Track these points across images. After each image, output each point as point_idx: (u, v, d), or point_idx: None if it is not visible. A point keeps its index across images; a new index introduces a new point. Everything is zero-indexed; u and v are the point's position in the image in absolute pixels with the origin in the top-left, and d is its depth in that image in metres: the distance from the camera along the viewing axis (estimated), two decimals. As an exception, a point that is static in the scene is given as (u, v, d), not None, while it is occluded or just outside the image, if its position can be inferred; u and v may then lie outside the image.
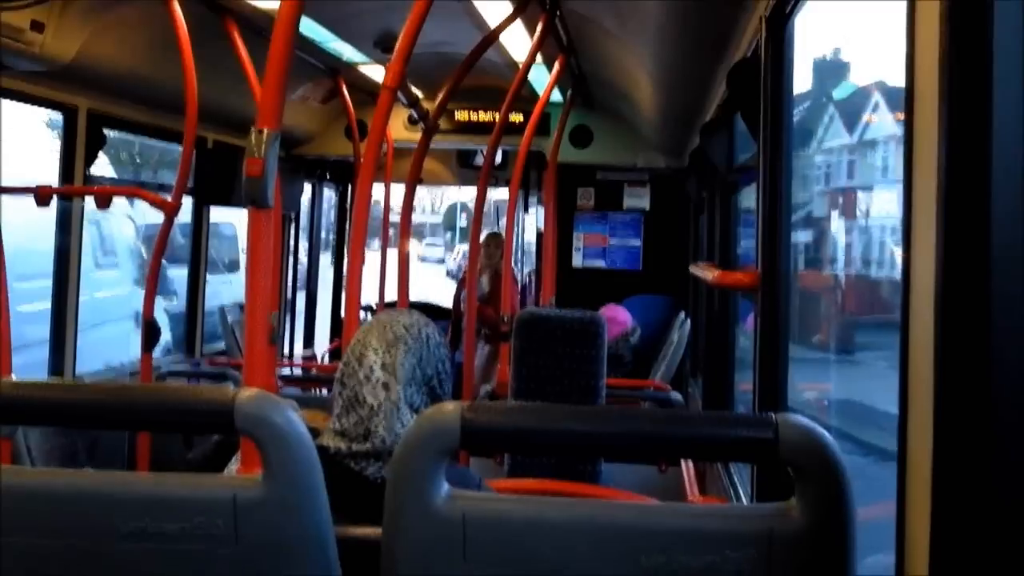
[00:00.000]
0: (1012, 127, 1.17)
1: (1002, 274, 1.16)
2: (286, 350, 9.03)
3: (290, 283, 9.14)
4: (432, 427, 1.47)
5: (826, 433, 1.38)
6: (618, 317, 7.35)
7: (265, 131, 2.57)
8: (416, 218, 12.71)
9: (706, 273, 4.06)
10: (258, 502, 1.57)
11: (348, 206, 9.59)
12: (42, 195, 4.93)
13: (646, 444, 1.46)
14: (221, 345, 7.66)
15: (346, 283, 3.78)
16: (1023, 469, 1.17)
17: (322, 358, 9.06)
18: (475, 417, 1.45)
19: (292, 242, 9.12)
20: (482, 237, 7.90)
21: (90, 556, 1.59)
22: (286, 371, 7.95)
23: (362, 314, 9.50)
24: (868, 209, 9.68)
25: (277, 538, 1.58)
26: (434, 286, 19.69)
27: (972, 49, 1.18)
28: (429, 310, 10.28)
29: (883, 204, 9.37)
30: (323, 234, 10.38)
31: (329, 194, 10.16)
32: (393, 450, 2.30)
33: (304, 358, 9.09)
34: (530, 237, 11.90)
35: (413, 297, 8.38)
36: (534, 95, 7.05)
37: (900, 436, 1.38)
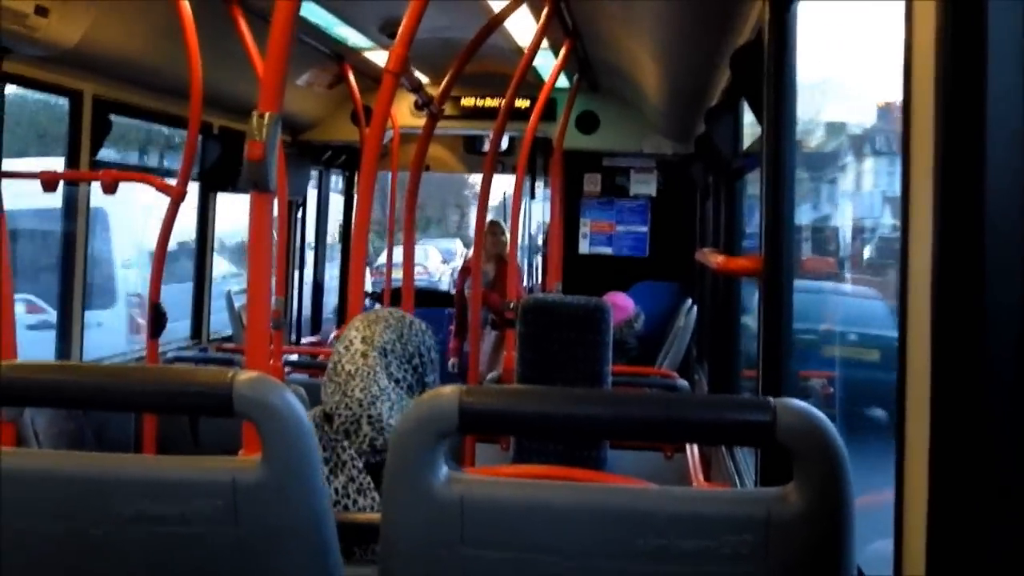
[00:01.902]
0: (1007, 122, 1.16)
1: (997, 270, 1.16)
2: (294, 336, 9.04)
3: (297, 269, 9.14)
4: (430, 410, 1.47)
5: (824, 417, 1.38)
6: (620, 303, 7.34)
7: (267, 114, 2.57)
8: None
9: (711, 259, 4.05)
10: (257, 485, 1.56)
11: (355, 192, 9.59)
12: (47, 181, 4.93)
13: (644, 427, 1.45)
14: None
15: (350, 269, 3.77)
16: (1017, 468, 1.16)
17: (330, 344, 9.06)
18: (473, 400, 1.45)
19: (299, 228, 9.12)
20: None
21: (90, 539, 1.59)
22: (294, 357, 7.95)
23: (367, 302, 9.52)
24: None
25: (276, 520, 1.58)
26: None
27: (967, 47, 1.18)
28: (434, 296, 10.28)
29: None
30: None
31: (336, 180, 10.15)
32: (372, 418, 2.35)
33: (312, 345, 9.09)
34: (536, 224, 11.87)
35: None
36: (540, 81, 7.02)
37: (897, 436, 1.38)
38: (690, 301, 7.67)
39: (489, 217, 7.93)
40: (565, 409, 1.45)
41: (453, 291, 9.35)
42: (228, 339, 7.48)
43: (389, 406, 2.39)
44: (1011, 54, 1.16)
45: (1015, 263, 1.16)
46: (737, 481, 3.95)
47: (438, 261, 25.62)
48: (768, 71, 2.72)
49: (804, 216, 6.93)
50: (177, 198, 5.07)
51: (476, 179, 13.93)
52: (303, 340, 9.19)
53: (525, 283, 10.16)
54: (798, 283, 2.75)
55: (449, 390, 1.46)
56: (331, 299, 10.23)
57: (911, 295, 1.33)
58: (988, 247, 1.16)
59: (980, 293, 1.17)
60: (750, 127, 4.20)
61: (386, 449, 2.37)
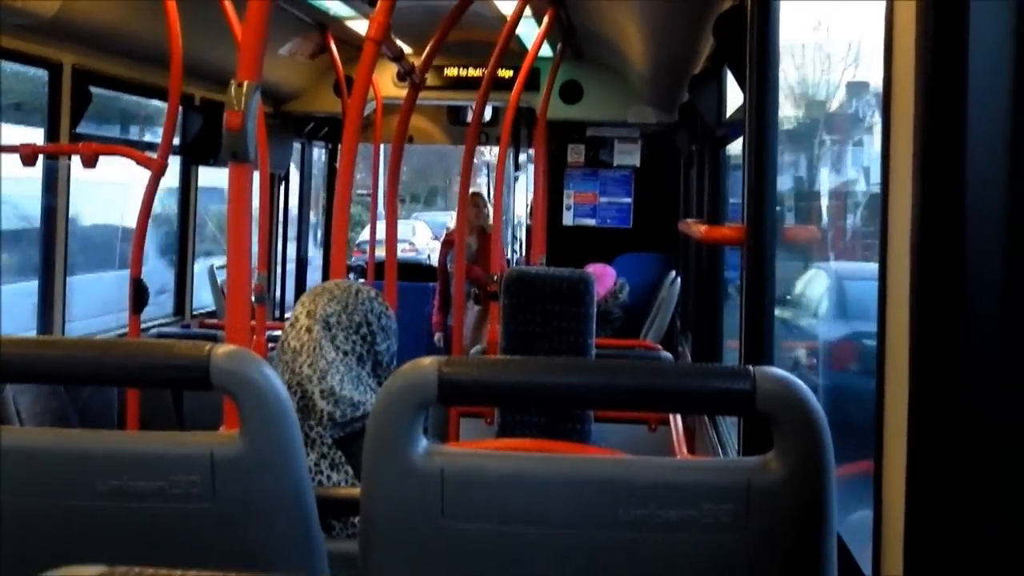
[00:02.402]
0: (986, 114, 1.16)
1: (976, 263, 1.16)
2: (278, 312, 9.01)
3: (280, 243, 9.09)
4: (409, 381, 1.46)
5: (804, 385, 1.37)
6: (604, 273, 7.35)
7: (245, 83, 2.54)
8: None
9: (694, 229, 4.05)
10: (235, 459, 1.56)
11: (337, 164, 9.52)
12: (27, 154, 4.88)
13: (624, 395, 1.44)
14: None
15: (332, 243, 3.75)
16: (994, 469, 1.16)
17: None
18: (453, 371, 1.44)
19: (282, 201, 9.07)
20: None
21: (70, 514, 1.58)
22: (277, 332, 7.92)
23: (353, 276, 9.49)
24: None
25: (255, 495, 1.57)
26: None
27: (948, 42, 1.17)
28: (418, 269, 10.27)
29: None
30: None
31: (319, 152, 10.10)
32: (324, 392, 2.33)
33: None
34: (520, 195, 11.86)
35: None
36: (524, 50, 6.98)
37: (877, 433, 1.38)
38: (674, 272, 7.67)
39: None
40: (544, 378, 1.44)
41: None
42: (211, 314, 7.46)
43: (340, 377, 2.36)
44: (991, 42, 1.15)
45: (993, 258, 1.15)
46: (720, 452, 3.96)
47: (427, 237, 23.49)
48: (751, 37, 2.71)
49: (831, 181, 6.75)
50: (158, 171, 5.03)
51: (483, 149, 13.67)
52: (287, 315, 9.15)
53: (508, 255, 10.16)
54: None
55: (428, 361, 1.45)
56: (316, 275, 10.20)
57: (890, 290, 1.33)
58: (968, 239, 1.16)
59: (959, 287, 1.16)
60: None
61: (348, 421, 2.35)
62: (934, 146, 1.19)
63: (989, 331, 1.15)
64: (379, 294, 2.51)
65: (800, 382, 1.38)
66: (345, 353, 2.39)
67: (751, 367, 1.38)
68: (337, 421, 2.35)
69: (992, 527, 1.15)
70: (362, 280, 9.13)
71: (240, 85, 2.55)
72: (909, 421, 1.23)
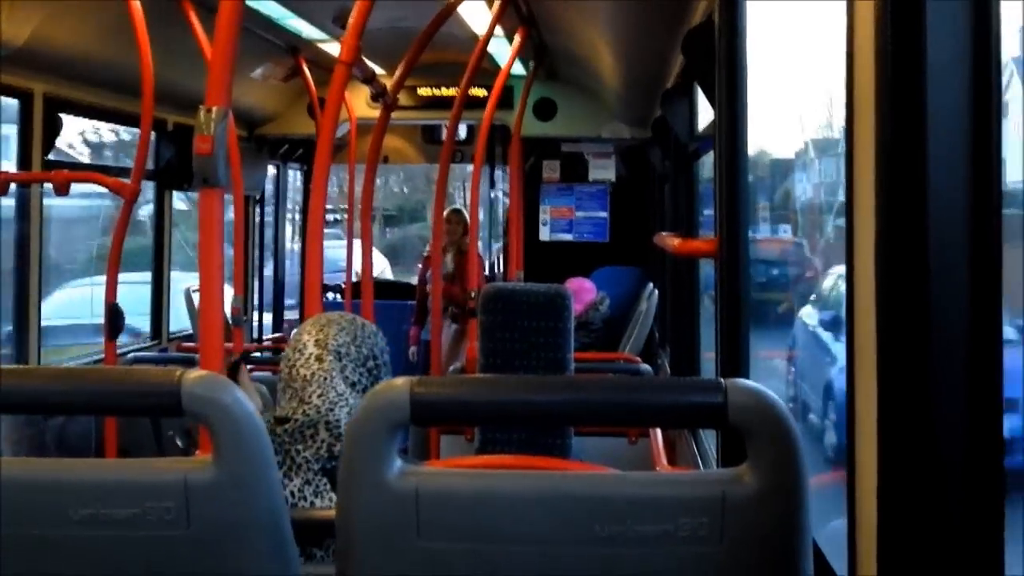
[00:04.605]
0: (946, 117, 1.17)
1: (938, 271, 1.17)
2: (256, 334, 8.97)
3: (256, 264, 9.06)
4: (381, 402, 1.46)
5: (776, 397, 1.38)
6: (584, 287, 7.37)
7: (214, 109, 2.54)
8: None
9: (668, 242, 4.06)
10: (209, 484, 1.55)
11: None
12: (-2, 182, 4.85)
13: (596, 412, 1.44)
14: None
15: (306, 264, 3.74)
16: (959, 469, 1.17)
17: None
18: (425, 391, 1.44)
19: (257, 223, 9.05)
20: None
21: (44, 543, 1.57)
22: (256, 354, 7.88)
23: (331, 295, 9.47)
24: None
25: (230, 520, 1.56)
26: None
27: (907, 47, 1.18)
28: (395, 288, 10.25)
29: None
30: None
31: (294, 175, 10.09)
32: (331, 424, 2.33)
33: (274, 341, 9.02)
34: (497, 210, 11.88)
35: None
36: (496, 68, 7.01)
37: (848, 441, 1.39)
38: (651, 285, 7.69)
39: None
40: (516, 397, 1.44)
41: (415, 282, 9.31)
42: (189, 338, 7.42)
43: (347, 411, 2.36)
44: (949, 48, 1.17)
45: (956, 261, 1.17)
46: (700, 464, 3.97)
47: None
48: (719, 53, 2.72)
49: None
50: (131, 197, 5.01)
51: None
52: (264, 337, 9.12)
53: (487, 272, 10.15)
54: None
55: (400, 382, 1.45)
56: (295, 296, 10.15)
57: (857, 297, 1.34)
58: (930, 248, 1.17)
59: (923, 296, 1.17)
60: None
61: None
62: (896, 146, 1.20)
63: (954, 340, 1.16)
64: (380, 329, 2.53)
65: (772, 394, 1.38)
66: (353, 385, 2.40)
67: (723, 380, 1.39)
68: (335, 454, 2.34)
69: (959, 529, 1.16)
70: (339, 297, 9.10)
71: (209, 110, 2.55)
72: (879, 429, 1.23)
